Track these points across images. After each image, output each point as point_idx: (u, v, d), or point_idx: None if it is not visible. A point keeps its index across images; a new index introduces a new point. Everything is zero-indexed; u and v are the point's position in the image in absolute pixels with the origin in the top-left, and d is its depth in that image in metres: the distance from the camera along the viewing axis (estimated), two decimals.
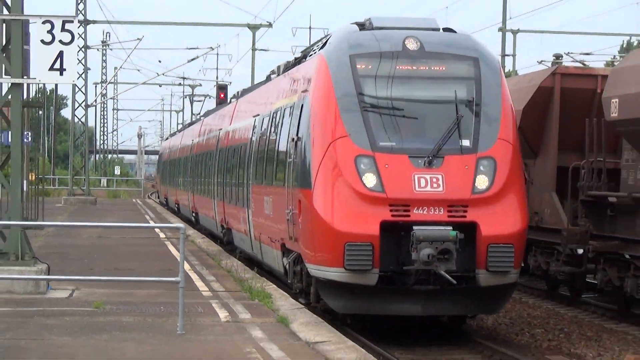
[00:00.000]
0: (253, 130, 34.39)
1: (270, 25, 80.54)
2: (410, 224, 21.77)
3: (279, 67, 35.10)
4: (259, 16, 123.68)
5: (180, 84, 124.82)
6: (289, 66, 32.04)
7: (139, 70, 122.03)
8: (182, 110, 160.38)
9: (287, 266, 25.85)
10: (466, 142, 22.86)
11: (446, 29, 25.55)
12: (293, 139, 25.06)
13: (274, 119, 30.25)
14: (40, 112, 65.81)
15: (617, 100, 26.75)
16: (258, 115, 34.10)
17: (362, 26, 25.34)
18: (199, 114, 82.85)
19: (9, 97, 25.73)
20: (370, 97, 23.29)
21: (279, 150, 28.25)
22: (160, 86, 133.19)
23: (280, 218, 26.75)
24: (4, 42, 25.73)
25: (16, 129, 25.82)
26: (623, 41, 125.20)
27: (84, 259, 33.66)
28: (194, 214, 56.38)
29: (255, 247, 33.13)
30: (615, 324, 28.01)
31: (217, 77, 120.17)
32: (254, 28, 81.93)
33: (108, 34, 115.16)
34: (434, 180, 22.13)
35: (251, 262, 35.25)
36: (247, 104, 40.71)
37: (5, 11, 25.92)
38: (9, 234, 25.48)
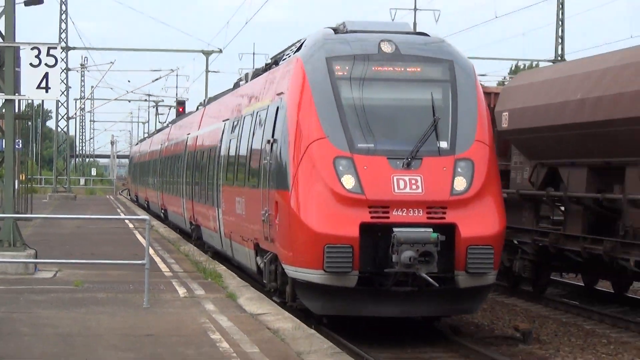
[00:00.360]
0: (222, 134, 30.13)
1: (220, 51, 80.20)
2: (390, 225, 18.36)
3: (247, 75, 31.07)
4: (211, 43, 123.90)
5: (146, 100, 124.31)
6: (258, 73, 28.19)
7: (111, 89, 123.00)
8: (148, 121, 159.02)
9: (262, 266, 22.11)
10: (444, 144, 19.41)
11: (419, 33, 21.97)
12: (269, 141, 21.28)
13: (245, 123, 26.17)
14: (29, 123, 65.52)
15: (507, 113, 26.93)
16: (228, 119, 29.84)
17: (336, 31, 21.65)
18: (164, 123, 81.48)
19: (3, 110, 25.70)
20: (348, 99, 19.67)
21: (252, 152, 24.14)
22: (129, 102, 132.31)
23: (254, 218, 22.78)
24: None
25: (9, 137, 25.75)
26: (512, 65, 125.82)
27: (66, 245, 33.48)
28: (162, 211, 53.12)
29: (226, 244, 28.74)
30: (506, 297, 28.00)
31: (176, 94, 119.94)
32: (207, 53, 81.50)
33: (86, 58, 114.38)
34: (413, 181, 18.71)
35: (204, 247, 35.01)
36: (215, 110, 36.14)
37: None
38: (2, 225, 25.48)
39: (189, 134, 41.79)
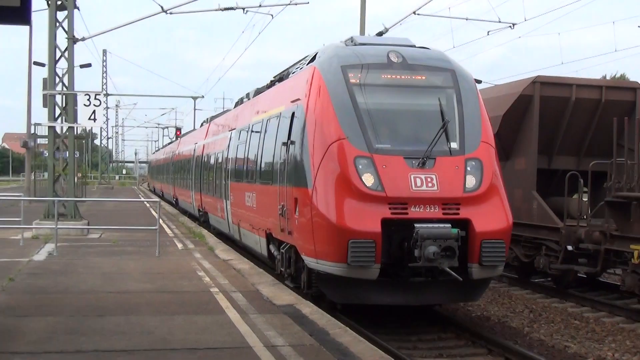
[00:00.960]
0: (230, 140, 24.32)
1: (202, 97, 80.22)
2: (409, 221, 13.71)
3: (248, 94, 25.02)
4: (197, 91, 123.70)
5: (157, 127, 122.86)
6: (261, 90, 22.49)
7: (135, 120, 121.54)
8: (158, 140, 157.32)
9: (276, 254, 17.15)
10: (454, 145, 14.64)
11: (421, 47, 16.70)
12: (284, 143, 16.11)
13: (254, 129, 20.43)
14: (83, 141, 64.89)
15: None
16: (234, 129, 24.02)
17: (346, 44, 16.56)
18: (173, 139, 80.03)
19: (67, 133, 25.58)
20: (363, 103, 14.72)
21: (264, 153, 18.51)
22: (146, 127, 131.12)
23: (267, 211, 17.69)
24: (63, 104, 25.52)
25: (70, 150, 25.67)
26: None
27: (107, 217, 33.27)
28: (174, 199, 47.33)
29: (233, 229, 22.94)
30: None
31: (175, 123, 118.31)
32: (194, 98, 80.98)
33: (119, 100, 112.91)
34: (429, 179, 13.99)
35: (193, 218, 34.87)
36: (221, 123, 29.43)
37: (64, 88, 25.73)
38: (67, 205, 25.32)
39: (196, 143, 36.42)
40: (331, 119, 14.63)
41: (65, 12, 25.65)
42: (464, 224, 13.86)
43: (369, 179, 13.89)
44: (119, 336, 10.58)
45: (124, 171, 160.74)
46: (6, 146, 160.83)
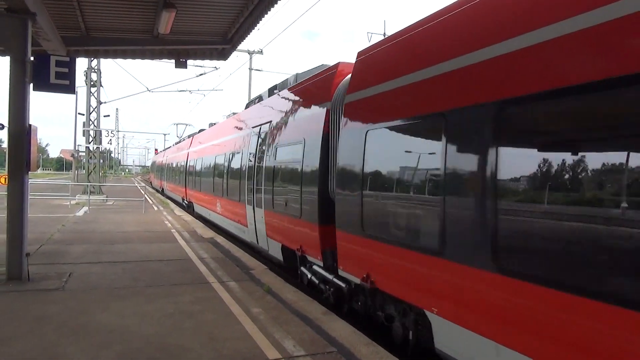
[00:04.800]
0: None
1: (186, 125, 76.31)
2: None
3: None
4: (166, 129, 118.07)
5: (145, 148, 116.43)
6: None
7: (132, 142, 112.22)
8: (148, 153, 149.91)
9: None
10: None
11: None
12: None
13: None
14: (104, 154, 60.91)
15: None
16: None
17: None
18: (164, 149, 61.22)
19: (95, 150, 24.05)
20: None
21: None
22: (138, 149, 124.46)
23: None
24: (94, 135, 24.00)
25: (97, 158, 24.19)
26: None
27: (117, 193, 31.49)
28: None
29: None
30: None
31: (156, 144, 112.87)
32: (177, 124, 77.34)
33: (124, 134, 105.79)
34: None
35: (163, 193, 33.28)
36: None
37: (94, 126, 24.22)
38: (95, 186, 23.83)
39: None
40: None
41: (95, 87, 24.38)
42: None
43: None
44: (121, 254, 10.20)
45: (127, 170, 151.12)
46: (62, 156, 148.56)
